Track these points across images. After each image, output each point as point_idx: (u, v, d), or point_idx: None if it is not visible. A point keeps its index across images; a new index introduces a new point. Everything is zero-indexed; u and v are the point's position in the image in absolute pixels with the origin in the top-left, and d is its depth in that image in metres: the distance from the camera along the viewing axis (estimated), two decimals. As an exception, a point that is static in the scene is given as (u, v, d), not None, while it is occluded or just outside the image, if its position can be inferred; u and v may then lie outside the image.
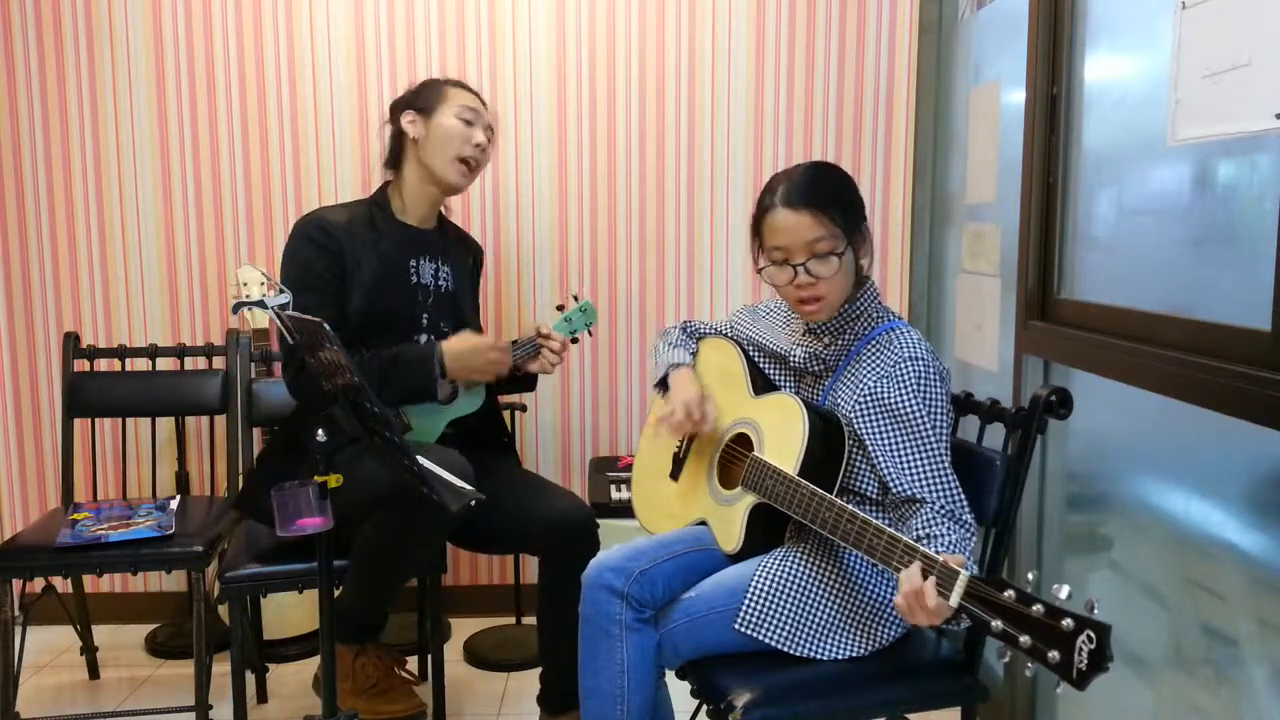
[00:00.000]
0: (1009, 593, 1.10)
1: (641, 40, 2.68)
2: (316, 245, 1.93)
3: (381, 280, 1.97)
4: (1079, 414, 1.49)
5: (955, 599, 1.17)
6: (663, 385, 1.77)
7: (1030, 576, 1.13)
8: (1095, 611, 1.02)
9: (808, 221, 1.52)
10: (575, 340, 2.15)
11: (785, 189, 1.56)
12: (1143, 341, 1.57)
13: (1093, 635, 1.00)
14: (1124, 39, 1.75)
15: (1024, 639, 1.07)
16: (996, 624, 1.11)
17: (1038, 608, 1.06)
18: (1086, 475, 1.91)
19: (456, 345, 1.94)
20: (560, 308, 2.14)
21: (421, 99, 2.03)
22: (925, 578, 1.21)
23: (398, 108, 2.06)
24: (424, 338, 2.04)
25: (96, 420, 2.70)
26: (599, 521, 2.02)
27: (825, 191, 1.55)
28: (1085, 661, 1.01)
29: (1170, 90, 1.48)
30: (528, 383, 2.19)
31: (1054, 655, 1.03)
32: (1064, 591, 1.06)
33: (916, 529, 1.43)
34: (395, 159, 2.07)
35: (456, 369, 1.94)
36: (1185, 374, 1.41)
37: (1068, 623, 1.03)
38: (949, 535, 1.40)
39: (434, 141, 2.00)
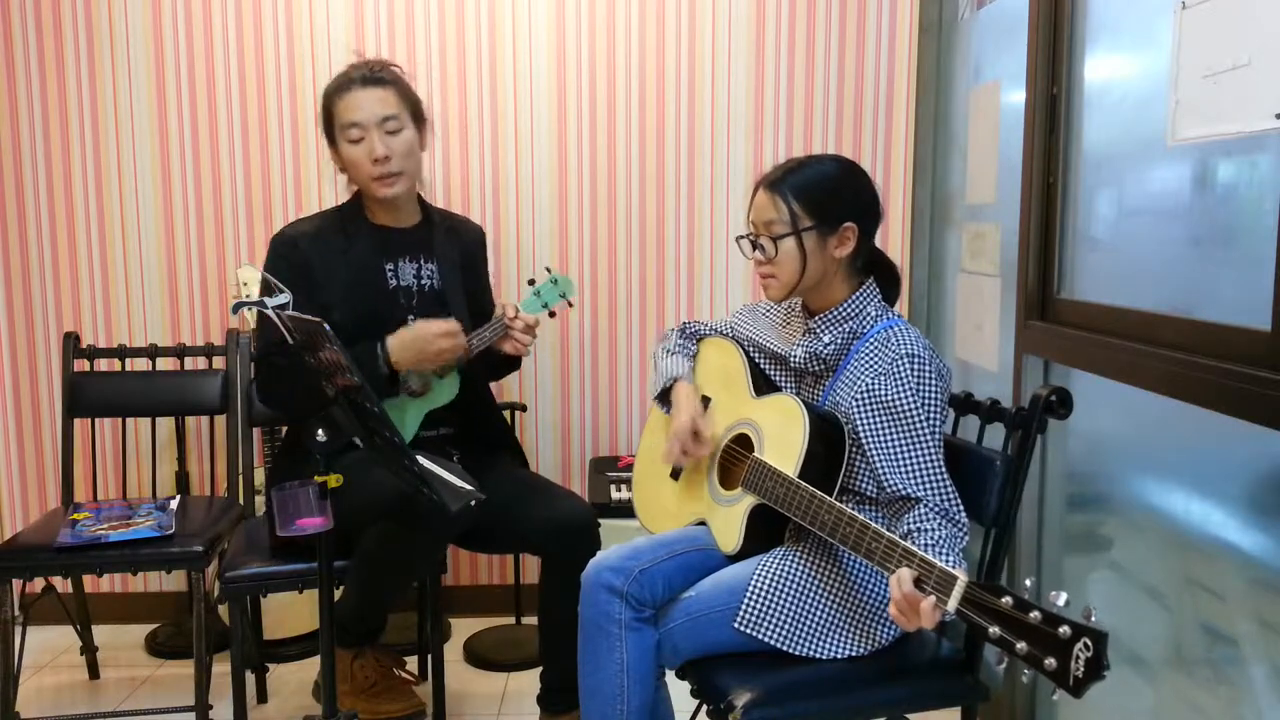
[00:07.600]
0: (1006, 599, 1.10)
1: (641, 40, 2.68)
2: (282, 260, 1.92)
3: (355, 287, 1.94)
4: (1079, 414, 1.49)
5: (953, 605, 1.17)
6: (663, 399, 1.78)
7: (1028, 583, 1.13)
8: (1093, 619, 1.02)
9: (767, 203, 1.60)
10: (553, 314, 2.09)
11: (772, 171, 1.63)
12: (1143, 341, 1.57)
13: (1090, 643, 1.00)
14: (1124, 39, 1.75)
15: (1020, 646, 1.06)
16: (994, 630, 1.10)
17: (1035, 614, 1.06)
18: (1086, 475, 1.91)
19: (402, 335, 1.88)
20: (531, 282, 2.09)
21: (325, 128, 1.98)
22: (919, 584, 1.22)
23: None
24: None
25: (96, 420, 2.70)
26: (599, 521, 2.01)
27: (797, 179, 1.59)
28: (1082, 669, 1.00)
29: (1170, 90, 1.48)
30: (510, 364, 2.11)
31: (1050, 662, 1.03)
32: (1061, 598, 1.06)
33: (908, 523, 1.43)
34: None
35: (404, 359, 1.86)
36: (1185, 374, 1.41)
37: (1065, 630, 1.02)
38: (938, 531, 1.41)
39: (349, 171, 1.96)
